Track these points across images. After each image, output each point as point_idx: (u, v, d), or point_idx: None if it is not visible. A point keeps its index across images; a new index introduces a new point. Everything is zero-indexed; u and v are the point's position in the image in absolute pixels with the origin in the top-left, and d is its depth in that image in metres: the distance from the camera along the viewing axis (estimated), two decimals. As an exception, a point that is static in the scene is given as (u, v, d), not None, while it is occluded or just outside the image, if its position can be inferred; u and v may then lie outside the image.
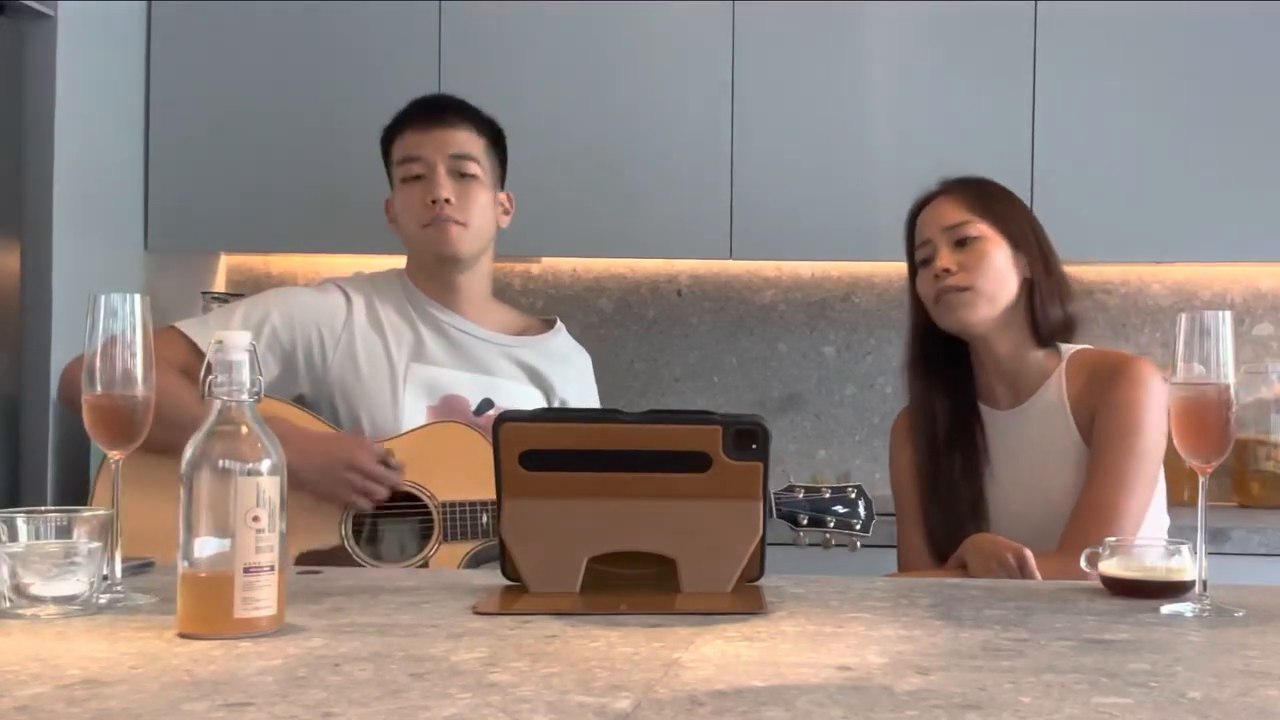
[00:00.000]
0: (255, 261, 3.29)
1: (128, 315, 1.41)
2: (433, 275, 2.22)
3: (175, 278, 3.06)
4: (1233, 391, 1.38)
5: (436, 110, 2.22)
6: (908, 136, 2.88)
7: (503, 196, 2.28)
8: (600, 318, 3.24)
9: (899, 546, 2.09)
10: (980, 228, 1.98)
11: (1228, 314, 1.38)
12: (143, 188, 2.95)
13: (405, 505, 2.05)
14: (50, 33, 2.58)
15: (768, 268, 3.21)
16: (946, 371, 2.06)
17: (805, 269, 3.21)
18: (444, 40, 2.92)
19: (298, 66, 2.95)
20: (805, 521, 2.04)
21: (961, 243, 1.98)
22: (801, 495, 2.05)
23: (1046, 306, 1.99)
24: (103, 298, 1.41)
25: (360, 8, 2.94)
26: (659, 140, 2.91)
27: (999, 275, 1.97)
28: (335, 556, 2.01)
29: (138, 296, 1.43)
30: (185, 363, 2.04)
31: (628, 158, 2.91)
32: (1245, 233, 2.84)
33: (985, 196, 2.03)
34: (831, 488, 2.07)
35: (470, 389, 2.17)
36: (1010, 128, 2.84)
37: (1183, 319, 1.39)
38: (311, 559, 2.00)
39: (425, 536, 2.04)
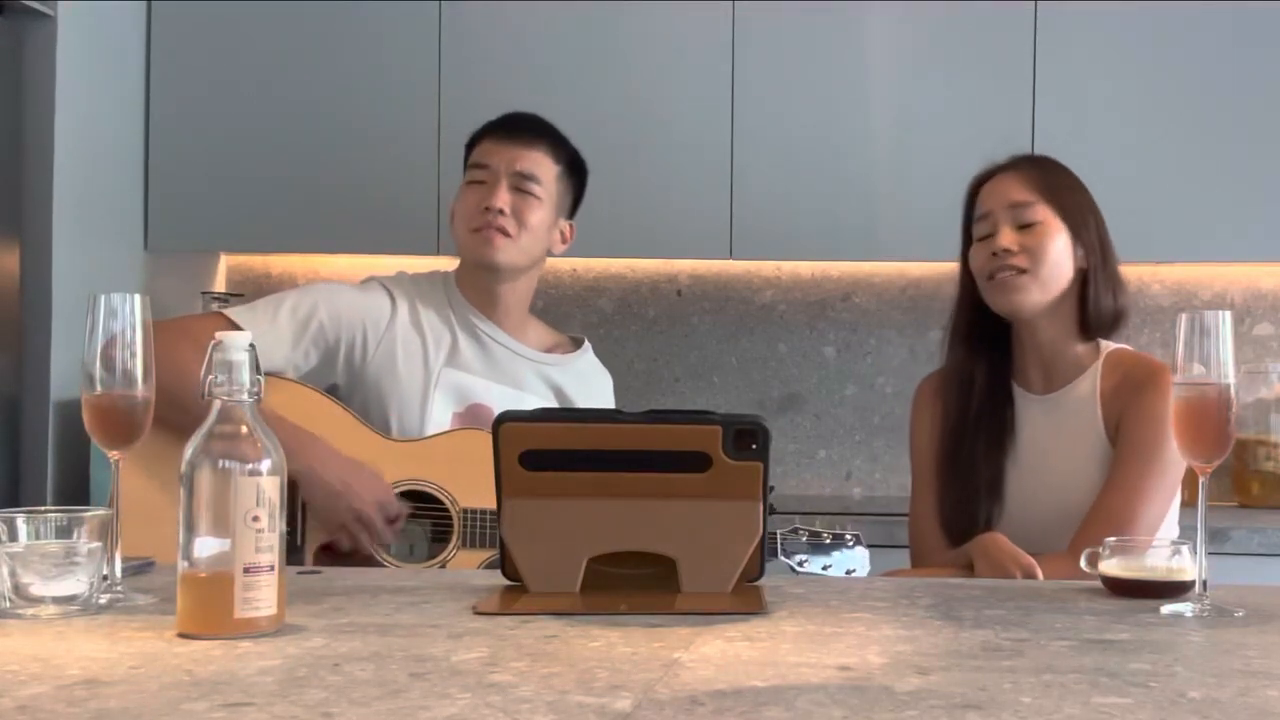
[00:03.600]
0: (255, 261, 3.29)
1: (128, 315, 1.42)
2: (476, 282, 2.24)
3: (175, 278, 3.06)
4: (1233, 391, 1.38)
5: (516, 127, 2.24)
6: (908, 137, 2.88)
7: (564, 224, 2.29)
8: (600, 318, 3.24)
9: (911, 512, 2.09)
10: (1044, 211, 1.97)
11: (1228, 314, 1.38)
12: (143, 188, 2.95)
13: (427, 508, 2.06)
14: (50, 33, 2.58)
15: (768, 268, 3.21)
16: (987, 346, 2.05)
17: (805, 269, 3.21)
18: (444, 40, 2.93)
19: (298, 66, 2.95)
20: (806, 566, 2.06)
21: (1025, 225, 1.97)
22: (805, 538, 2.07)
23: (1099, 298, 1.98)
24: (103, 298, 1.41)
25: (360, 8, 2.94)
26: (659, 140, 2.91)
27: (1056, 262, 1.96)
28: (354, 551, 2.02)
29: (138, 296, 1.43)
30: None
31: (628, 158, 2.92)
32: (1245, 233, 2.85)
33: (1053, 180, 2.01)
34: (833, 534, 2.09)
35: (498, 400, 2.18)
36: (1010, 127, 2.84)
37: (1183, 319, 1.39)
38: (331, 552, 2.02)
39: (445, 540, 2.05)
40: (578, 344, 2.37)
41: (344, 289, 2.24)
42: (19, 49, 2.57)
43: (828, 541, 2.08)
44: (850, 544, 2.10)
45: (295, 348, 2.12)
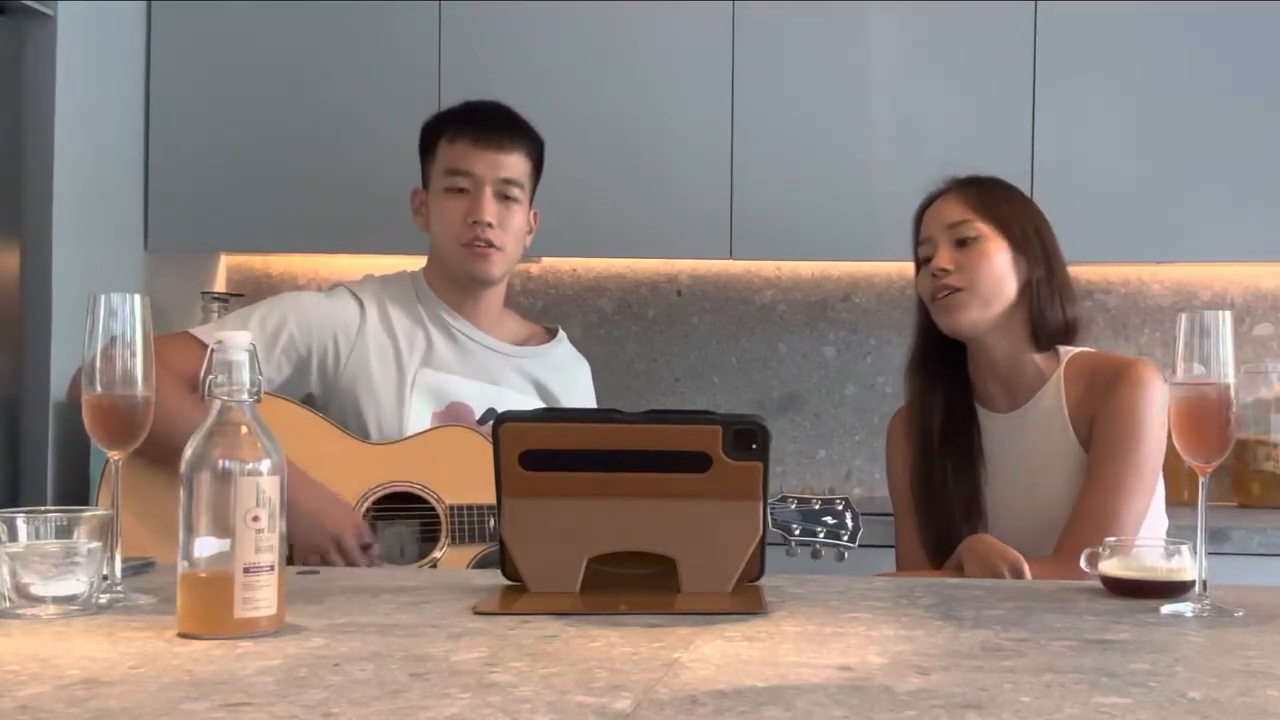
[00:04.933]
0: (255, 261, 3.29)
1: (128, 315, 1.42)
2: (456, 286, 2.24)
3: (175, 278, 3.06)
4: (1233, 391, 1.38)
5: (494, 127, 2.21)
6: (908, 137, 2.88)
7: (532, 214, 2.28)
8: (600, 318, 3.24)
9: (896, 545, 2.10)
10: (980, 227, 1.97)
11: (1228, 314, 1.38)
12: (143, 188, 2.95)
13: (413, 508, 2.06)
14: (50, 33, 2.58)
15: (768, 268, 3.21)
16: (946, 372, 2.05)
17: (805, 269, 3.21)
18: (444, 40, 2.93)
19: (297, 66, 2.95)
20: (798, 532, 2.05)
21: (962, 242, 1.97)
22: (794, 506, 2.07)
23: (1045, 310, 1.97)
24: (103, 298, 1.41)
25: (360, 8, 2.94)
26: (659, 140, 2.91)
27: (996, 277, 1.96)
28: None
29: (138, 296, 1.43)
30: (195, 370, 2.03)
31: (628, 158, 2.91)
32: (1245, 233, 2.84)
33: (990, 196, 2.01)
34: (821, 499, 2.08)
35: (476, 398, 2.18)
36: (1010, 128, 2.84)
37: (1183, 319, 1.39)
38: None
39: (433, 539, 2.05)
40: (552, 333, 2.36)
41: (311, 299, 2.22)
42: (19, 49, 2.56)
43: (817, 507, 2.07)
44: (839, 507, 2.09)
45: (267, 361, 2.10)
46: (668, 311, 3.24)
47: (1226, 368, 1.38)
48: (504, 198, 2.19)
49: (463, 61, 2.91)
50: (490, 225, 2.16)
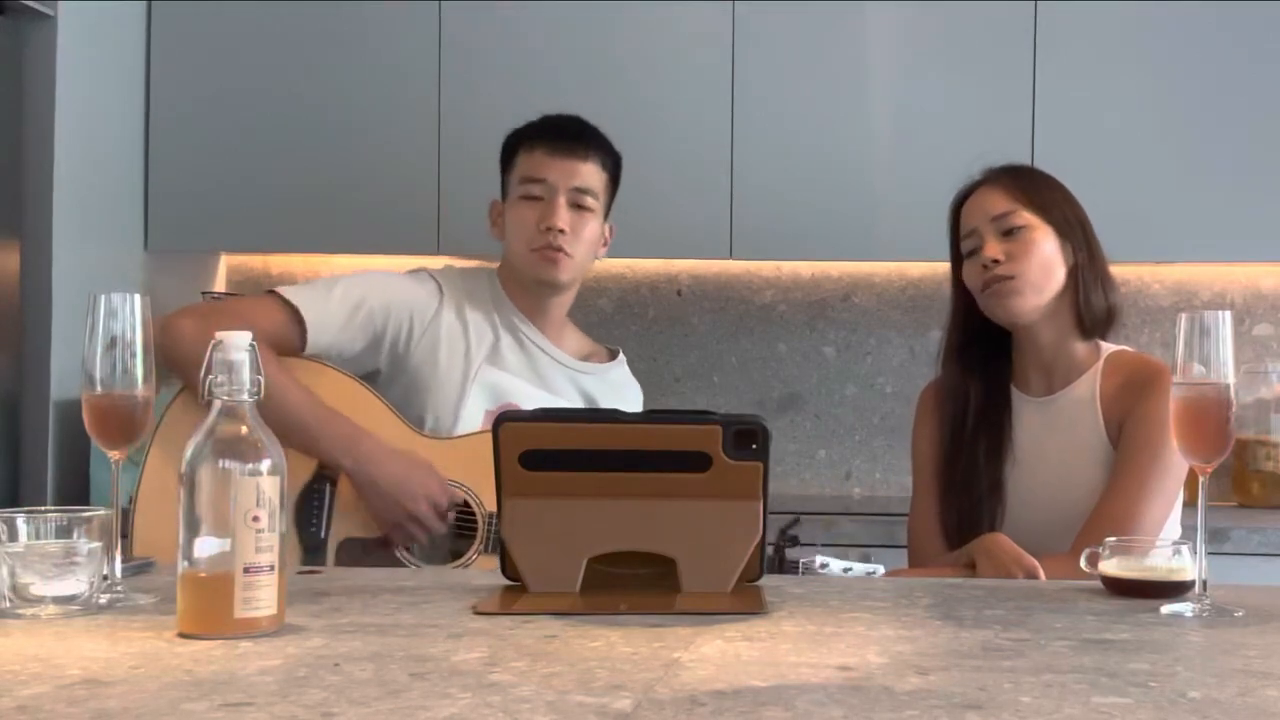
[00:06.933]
0: (255, 261, 3.29)
1: (128, 315, 1.42)
2: (526, 291, 2.25)
3: (175, 278, 3.06)
4: (1233, 391, 1.38)
5: (571, 137, 2.24)
6: (908, 136, 2.88)
7: (607, 227, 2.29)
8: (600, 318, 3.23)
9: (910, 516, 2.10)
10: (1026, 216, 1.97)
11: (1228, 314, 1.39)
12: (143, 188, 2.96)
13: (455, 509, 2.06)
14: (50, 33, 2.58)
15: (768, 268, 3.21)
16: (984, 357, 2.06)
17: (805, 269, 3.21)
18: (444, 40, 2.93)
19: (298, 66, 2.95)
20: (828, 570, 2.04)
21: (1008, 233, 1.98)
22: (823, 570, 2.06)
23: (1090, 295, 1.99)
24: (103, 298, 1.41)
25: (360, 8, 2.94)
26: (659, 140, 2.91)
27: (1046, 264, 1.97)
28: (376, 547, 2.04)
29: (138, 296, 1.43)
30: (278, 331, 2.08)
31: (628, 158, 2.89)
32: (1245, 233, 2.85)
33: (1031, 185, 2.02)
34: (854, 566, 2.08)
35: (530, 401, 2.18)
36: (1010, 128, 2.84)
37: (1183, 319, 1.40)
38: (354, 546, 2.03)
39: (469, 541, 2.05)
40: (613, 355, 2.38)
41: (394, 278, 2.25)
42: (19, 49, 2.57)
43: (845, 573, 2.06)
44: (871, 572, 2.08)
45: (344, 330, 2.13)
46: (668, 311, 3.25)
47: (1226, 368, 1.38)
48: (577, 206, 2.20)
49: (463, 61, 2.91)
50: (562, 231, 2.18)
